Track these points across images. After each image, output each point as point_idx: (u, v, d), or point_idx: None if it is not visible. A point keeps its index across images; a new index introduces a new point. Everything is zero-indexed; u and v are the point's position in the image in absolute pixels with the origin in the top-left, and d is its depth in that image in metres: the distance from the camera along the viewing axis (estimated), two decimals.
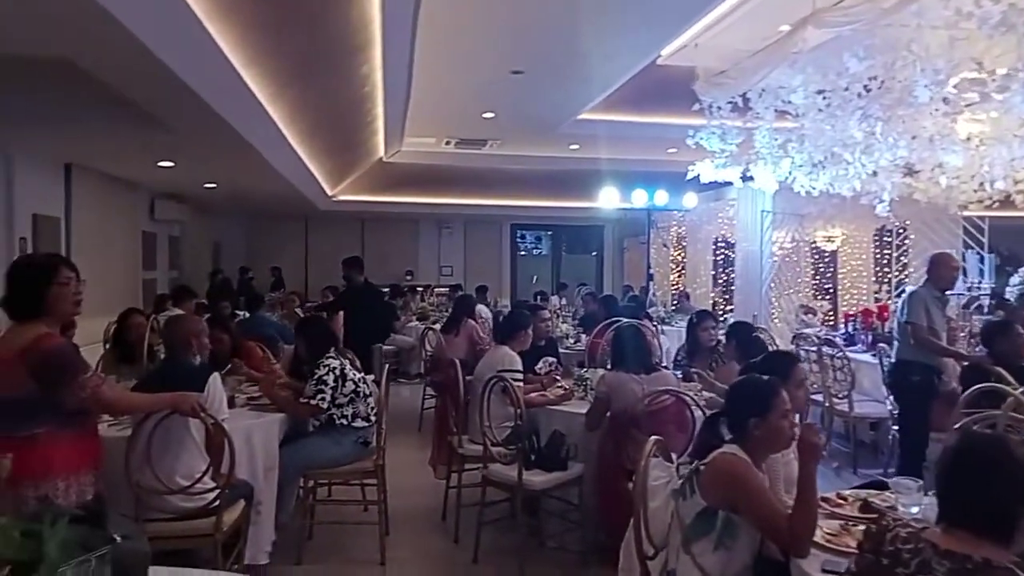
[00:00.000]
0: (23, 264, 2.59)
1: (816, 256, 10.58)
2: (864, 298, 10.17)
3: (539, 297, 9.71)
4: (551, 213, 15.03)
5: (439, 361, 6.46)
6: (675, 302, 10.80)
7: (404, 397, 8.04)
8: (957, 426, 2.96)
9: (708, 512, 2.17)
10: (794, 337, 7.14)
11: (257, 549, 3.49)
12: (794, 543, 2.05)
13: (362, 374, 4.09)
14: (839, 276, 10.58)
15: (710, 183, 8.33)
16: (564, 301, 11.70)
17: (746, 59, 7.38)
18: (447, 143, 11.04)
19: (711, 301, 11.13)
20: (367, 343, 6.57)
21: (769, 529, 2.12)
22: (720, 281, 11.26)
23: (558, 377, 4.44)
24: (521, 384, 4.16)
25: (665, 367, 4.50)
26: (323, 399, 3.75)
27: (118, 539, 1.59)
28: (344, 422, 3.83)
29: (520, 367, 4.22)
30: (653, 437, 2.46)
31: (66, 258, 2.64)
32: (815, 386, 6.00)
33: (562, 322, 7.83)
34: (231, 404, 3.77)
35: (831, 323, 9.73)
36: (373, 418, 3.94)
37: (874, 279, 10.31)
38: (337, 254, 9.00)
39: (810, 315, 8.85)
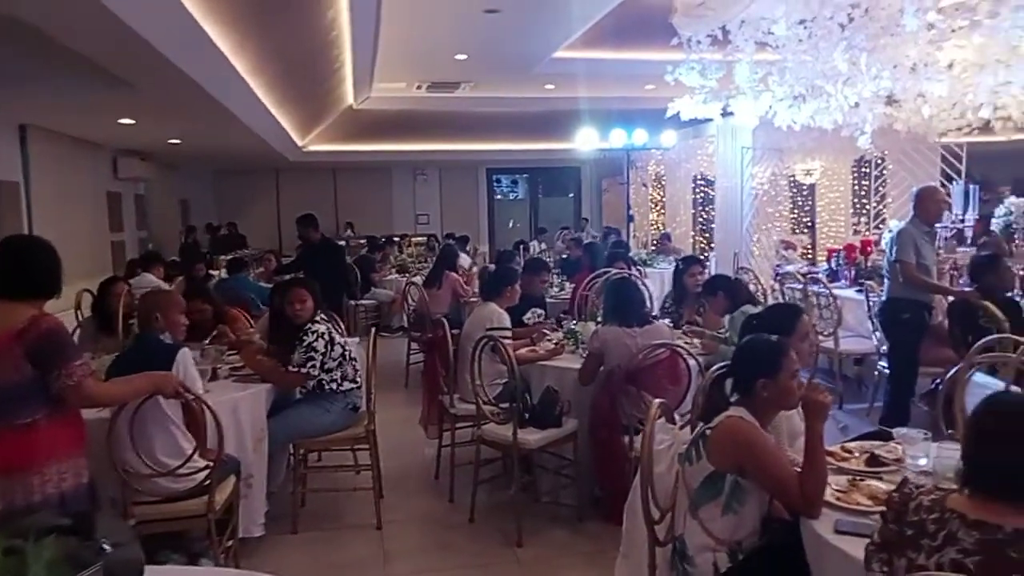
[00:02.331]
0: (32, 244, 2.50)
1: (795, 190, 10.51)
2: (843, 231, 10.18)
3: (521, 247, 9.48)
4: (527, 156, 14.77)
5: (423, 316, 6.37)
6: (656, 243, 10.73)
7: (388, 352, 7.91)
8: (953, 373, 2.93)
9: (716, 476, 2.13)
10: (777, 275, 7.12)
11: (251, 522, 3.43)
12: (805, 505, 2.01)
13: (345, 337, 3.99)
14: (818, 209, 10.56)
15: (689, 120, 8.15)
16: (544, 246, 11.59)
17: None
18: (418, 87, 10.69)
19: (691, 240, 11.08)
20: (333, 302, 6.48)
21: (780, 492, 2.09)
22: (700, 219, 11.19)
23: (547, 332, 4.37)
24: (510, 341, 4.10)
25: (654, 316, 4.46)
26: (314, 367, 3.65)
27: (108, 549, 1.49)
28: (333, 386, 3.74)
29: (508, 324, 4.14)
30: (658, 400, 2.40)
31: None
32: None
33: None
34: (214, 376, 3.67)
35: (810, 258, 9.75)
36: (359, 380, 3.85)
37: (852, 211, 10.31)
38: (309, 206, 8.77)
39: (790, 250, 8.84)
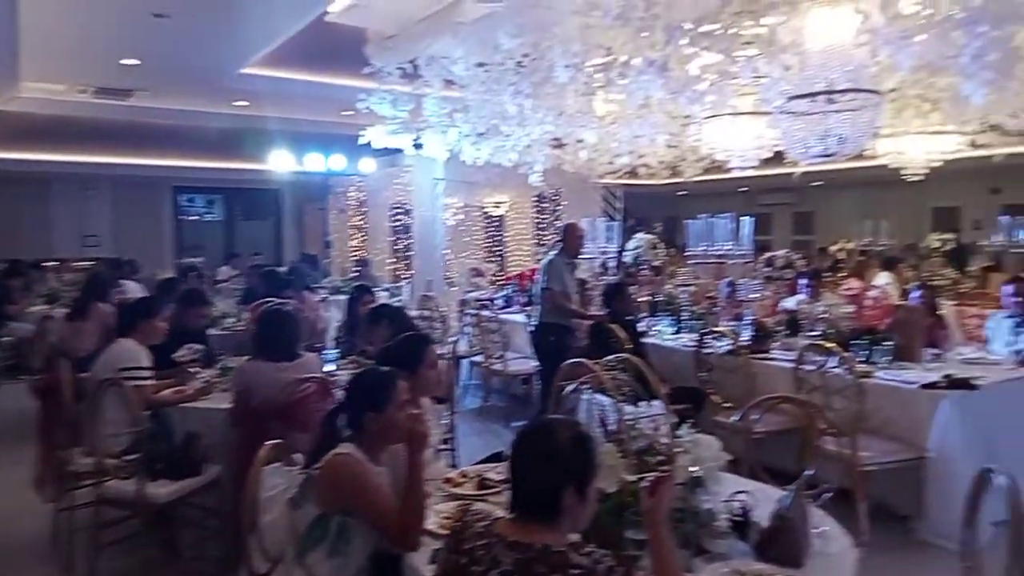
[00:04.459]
0: None
1: (487, 221, 11.22)
2: (527, 259, 11.09)
3: (190, 274, 8.49)
4: (221, 175, 13.70)
5: (66, 354, 5.46)
6: (355, 269, 10.64)
7: (16, 399, 6.57)
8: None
9: (322, 519, 2.04)
10: (460, 302, 7.46)
11: None
12: (403, 538, 2.01)
13: None
14: (506, 239, 11.38)
15: (386, 148, 8.24)
16: (236, 272, 10.81)
17: (414, 25, 7.35)
18: (82, 91, 9.37)
19: (390, 267, 11.19)
20: None
21: (382, 528, 2.06)
22: (399, 247, 11.37)
23: (196, 369, 3.98)
24: (151, 382, 3.65)
25: (320, 347, 4.32)
26: None
27: None
28: None
29: (146, 362, 3.68)
30: (269, 442, 2.25)
31: None
32: (475, 347, 6.35)
33: (223, 299, 7.17)
34: None
35: (501, 284, 10.44)
36: None
37: (535, 241, 11.29)
38: None
39: (479, 278, 9.35)
